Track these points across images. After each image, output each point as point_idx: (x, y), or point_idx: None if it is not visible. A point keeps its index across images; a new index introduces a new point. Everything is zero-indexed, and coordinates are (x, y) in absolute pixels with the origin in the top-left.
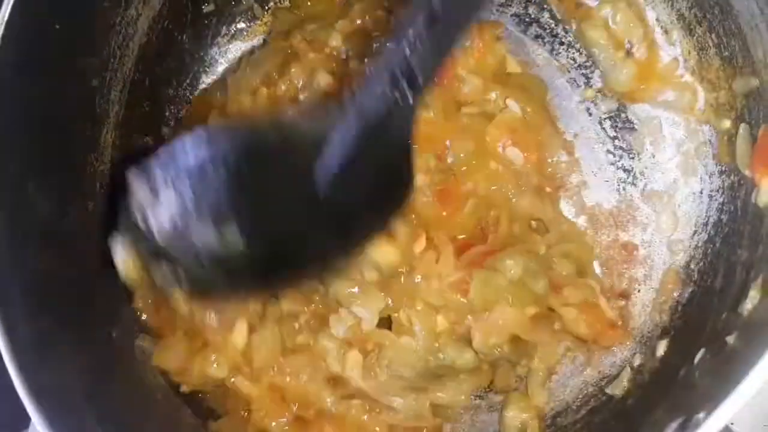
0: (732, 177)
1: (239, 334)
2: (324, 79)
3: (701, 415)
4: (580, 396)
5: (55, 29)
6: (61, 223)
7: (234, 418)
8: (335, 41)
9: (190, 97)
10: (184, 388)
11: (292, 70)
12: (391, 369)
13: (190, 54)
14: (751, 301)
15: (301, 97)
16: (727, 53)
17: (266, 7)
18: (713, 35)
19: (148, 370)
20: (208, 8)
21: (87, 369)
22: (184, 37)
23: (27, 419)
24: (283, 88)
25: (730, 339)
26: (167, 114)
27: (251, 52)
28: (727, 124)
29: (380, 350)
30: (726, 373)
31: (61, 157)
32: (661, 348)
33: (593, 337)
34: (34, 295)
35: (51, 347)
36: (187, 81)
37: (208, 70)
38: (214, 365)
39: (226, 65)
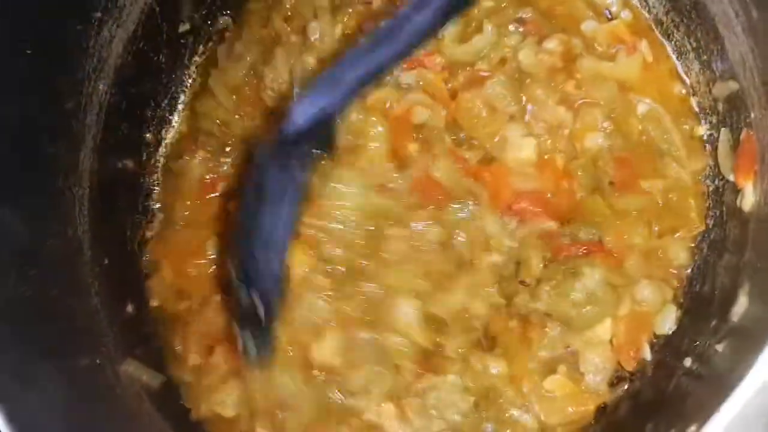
0: (716, 182)
1: None
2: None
3: (693, 427)
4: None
5: (26, 54)
6: (40, 249)
7: None
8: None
9: (170, 117)
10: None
11: (277, 56)
12: None
13: (168, 74)
14: (740, 307)
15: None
16: (705, 57)
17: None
18: (691, 39)
19: (133, 394)
20: (183, 28)
21: (69, 397)
22: (161, 57)
23: None
24: (270, 77)
25: (720, 347)
26: (147, 136)
27: (230, 47)
28: (707, 128)
29: None
30: (717, 383)
31: (37, 182)
32: (648, 355)
33: None
34: (13, 324)
35: (31, 376)
36: (165, 102)
37: (186, 90)
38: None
39: None
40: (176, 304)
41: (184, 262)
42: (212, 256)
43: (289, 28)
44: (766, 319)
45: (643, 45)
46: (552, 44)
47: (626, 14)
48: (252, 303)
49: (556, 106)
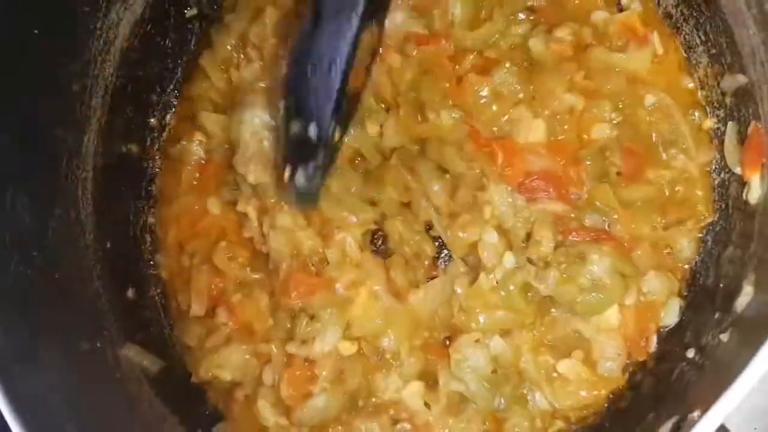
0: (722, 174)
1: None
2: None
3: (695, 414)
4: None
5: (33, 34)
6: (43, 232)
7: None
8: None
9: (174, 102)
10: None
11: (267, 11)
12: None
13: (174, 59)
14: (744, 298)
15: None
16: (714, 51)
17: None
18: (700, 33)
19: (133, 379)
20: (191, 12)
21: (70, 379)
22: (167, 41)
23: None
24: (255, 31)
25: (724, 337)
26: (152, 120)
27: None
28: (715, 121)
29: None
30: (720, 372)
31: (41, 163)
32: (653, 346)
33: None
34: (16, 306)
35: (33, 358)
36: (171, 86)
37: (192, 75)
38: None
39: None
40: (179, 262)
41: (187, 223)
42: (215, 213)
43: None
44: None
45: (655, 37)
46: (562, 33)
47: (636, 6)
48: (305, 136)
49: (564, 95)
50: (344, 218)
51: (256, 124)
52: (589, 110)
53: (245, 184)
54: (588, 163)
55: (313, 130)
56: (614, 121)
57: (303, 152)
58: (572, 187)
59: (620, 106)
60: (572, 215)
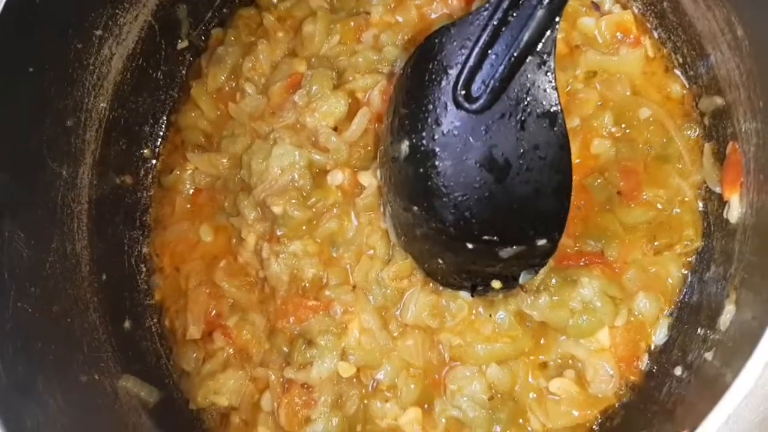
0: (703, 193)
1: None
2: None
3: None
4: None
5: (28, 72)
6: (40, 265)
7: None
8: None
9: (167, 133)
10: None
11: (259, 47)
12: None
13: (165, 90)
14: (727, 317)
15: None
16: (692, 72)
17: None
18: (678, 55)
19: (131, 409)
20: (182, 44)
21: (68, 411)
22: (159, 74)
23: None
24: (249, 66)
25: (709, 355)
26: (145, 151)
27: (212, 54)
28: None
29: None
30: (706, 390)
31: (37, 198)
32: (644, 365)
33: None
34: (14, 340)
35: (32, 391)
36: (164, 118)
37: (183, 105)
38: None
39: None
40: (176, 285)
41: (181, 250)
42: (207, 240)
43: (279, 26)
44: (752, 328)
45: (647, 39)
46: None
47: None
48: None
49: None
50: None
51: (286, 161)
52: (590, 122)
53: (250, 211)
54: (596, 184)
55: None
56: (616, 135)
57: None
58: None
59: (621, 121)
60: (569, 249)
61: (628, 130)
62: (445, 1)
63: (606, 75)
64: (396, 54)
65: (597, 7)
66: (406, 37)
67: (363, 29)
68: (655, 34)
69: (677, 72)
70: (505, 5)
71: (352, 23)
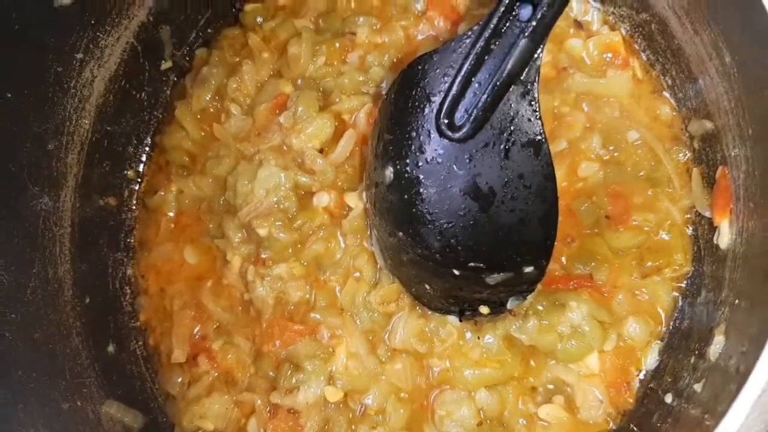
0: (693, 217)
1: None
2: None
3: None
4: None
5: (6, 97)
6: (21, 291)
7: None
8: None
9: (152, 154)
10: None
11: (243, 68)
12: None
13: (149, 110)
14: (716, 347)
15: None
16: (681, 95)
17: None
18: (667, 78)
19: None
20: (165, 65)
21: None
22: (143, 95)
23: None
24: (234, 86)
25: (698, 387)
26: (128, 173)
27: (196, 74)
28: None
29: None
30: (695, 425)
31: (17, 223)
32: (634, 390)
33: None
34: None
35: (13, 420)
36: (148, 139)
37: (166, 126)
38: None
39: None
40: (160, 307)
41: (166, 272)
42: (192, 262)
43: (264, 46)
44: (741, 362)
45: (635, 61)
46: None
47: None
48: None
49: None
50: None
51: (271, 183)
52: (576, 145)
53: (235, 233)
54: (583, 208)
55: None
56: (604, 158)
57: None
58: (564, 248)
59: (609, 144)
60: (557, 273)
61: (616, 153)
62: (431, 23)
63: (594, 97)
64: (382, 75)
65: (580, 25)
66: (393, 59)
67: (349, 50)
68: (644, 56)
69: (666, 94)
70: (487, 34)
71: (337, 44)
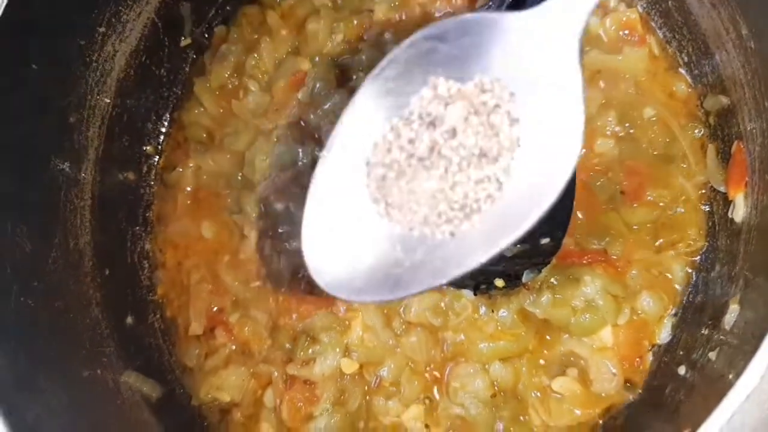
0: (708, 193)
1: None
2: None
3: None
4: None
5: (31, 68)
6: (43, 261)
7: None
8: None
9: (170, 130)
10: None
11: (262, 45)
12: None
13: (168, 87)
14: (731, 316)
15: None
16: (697, 71)
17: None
18: (683, 54)
19: (134, 405)
20: (185, 42)
21: (71, 407)
22: (162, 70)
23: None
24: (252, 63)
25: (713, 355)
26: (147, 148)
27: (215, 51)
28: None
29: None
30: (709, 390)
31: (40, 193)
32: (648, 364)
33: None
34: (17, 335)
35: (34, 387)
36: (167, 114)
37: (186, 102)
38: None
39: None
40: (178, 281)
41: (183, 246)
42: (209, 236)
43: (282, 24)
44: (756, 328)
45: (652, 38)
46: None
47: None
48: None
49: None
50: None
51: (289, 158)
52: (594, 122)
53: (253, 208)
54: (598, 183)
55: None
56: (620, 134)
57: None
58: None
59: (625, 121)
60: (572, 247)
61: (632, 130)
62: (448, 0)
63: (610, 74)
64: None
65: None
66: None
67: (366, 27)
68: (660, 33)
69: (682, 71)
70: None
71: (355, 21)
